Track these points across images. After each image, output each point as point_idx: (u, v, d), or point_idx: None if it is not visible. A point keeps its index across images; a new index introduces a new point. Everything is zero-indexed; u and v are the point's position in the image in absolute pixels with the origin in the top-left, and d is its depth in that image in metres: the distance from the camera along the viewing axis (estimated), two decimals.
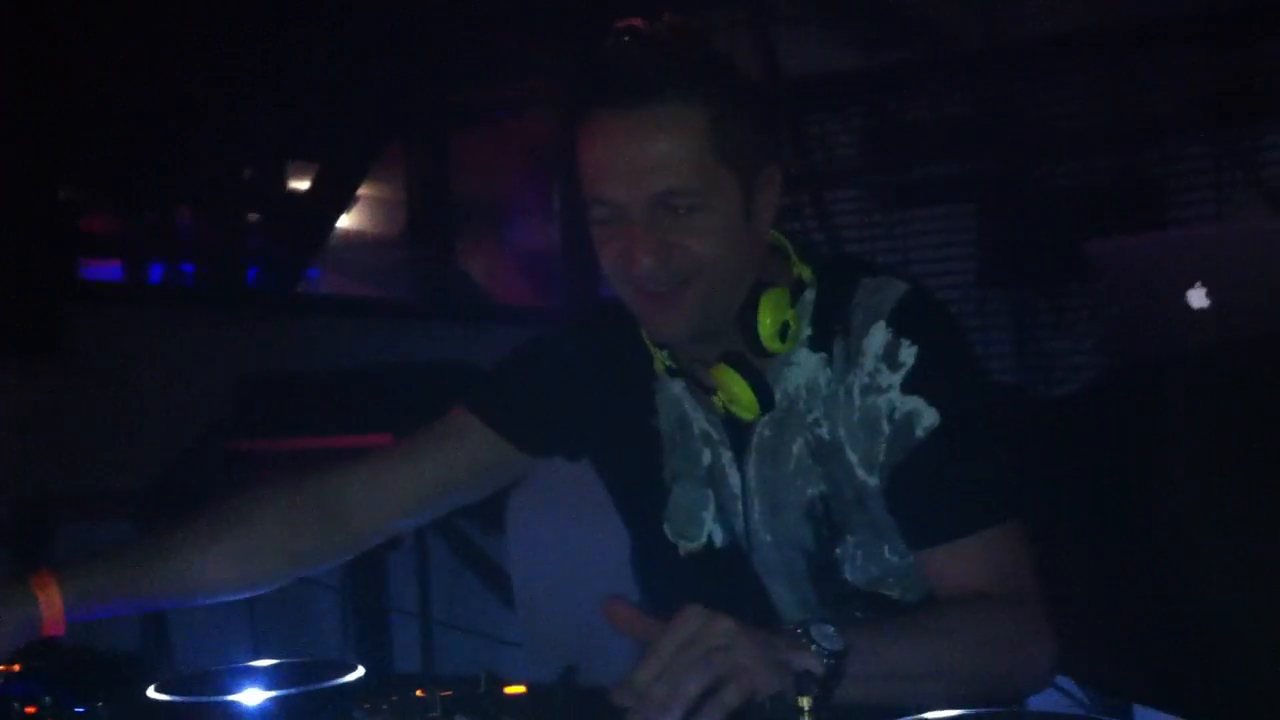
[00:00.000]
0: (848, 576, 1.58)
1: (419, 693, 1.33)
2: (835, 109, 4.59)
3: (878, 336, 1.52)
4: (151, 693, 1.37)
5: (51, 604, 1.50)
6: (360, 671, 1.41)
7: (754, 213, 1.52)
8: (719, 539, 1.64)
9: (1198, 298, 2.64)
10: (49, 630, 1.51)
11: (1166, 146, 4.20)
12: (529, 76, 4.53)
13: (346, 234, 4.98)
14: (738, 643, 1.19)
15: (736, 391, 1.54)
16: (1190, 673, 2.08)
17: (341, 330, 4.00)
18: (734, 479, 1.62)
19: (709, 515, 1.64)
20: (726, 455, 1.62)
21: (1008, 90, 4.24)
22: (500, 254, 5.35)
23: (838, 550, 1.57)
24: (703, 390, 1.60)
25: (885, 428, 1.51)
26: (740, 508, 1.62)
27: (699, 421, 1.64)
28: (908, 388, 1.49)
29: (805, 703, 1.12)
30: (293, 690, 1.36)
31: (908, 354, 1.50)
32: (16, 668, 1.51)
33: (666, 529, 1.68)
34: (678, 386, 1.65)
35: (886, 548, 1.56)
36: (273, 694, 1.34)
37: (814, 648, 1.23)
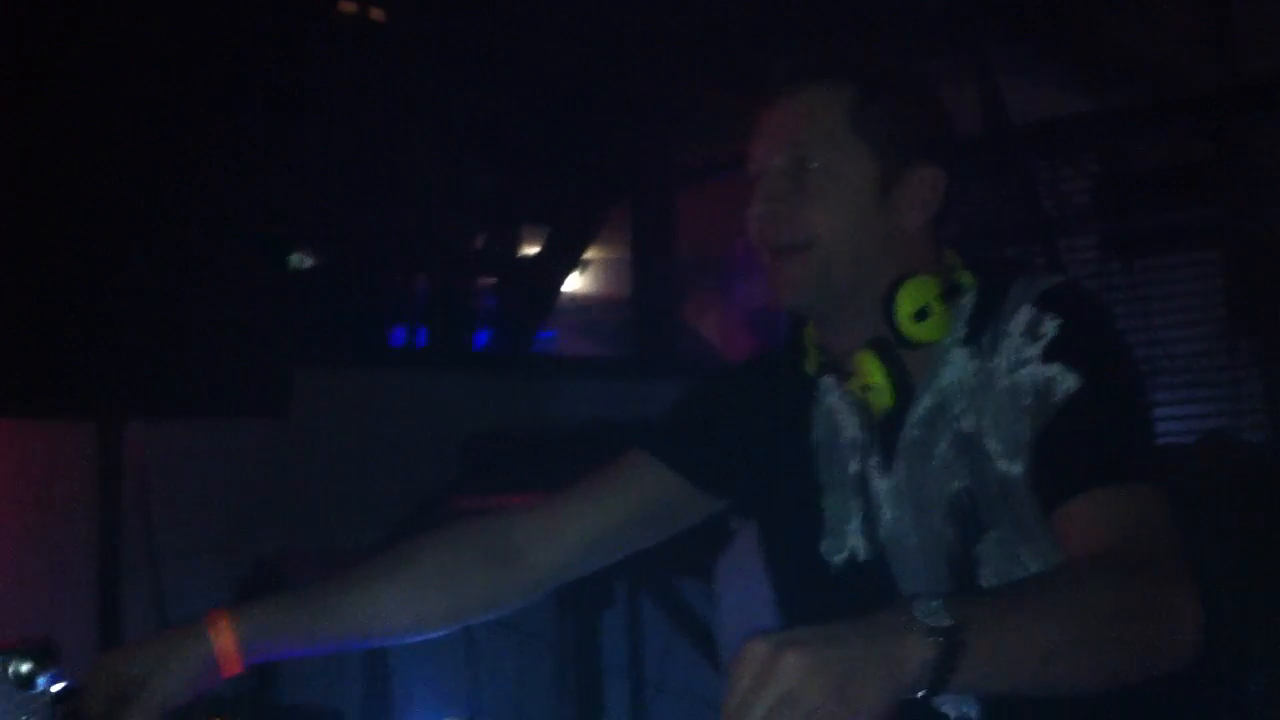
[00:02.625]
0: (984, 583, 1.51)
1: None
2: (1067, 155, 4.45)
3: (1023, 316, 1.53)
4: None
5: (225, 643, 1.52)
6: None
7: (894, 197, 1.57)
8: (862, 551, 1.61)
9: None
10: (227, 670, 1.53)
11: None
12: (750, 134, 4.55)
13: (576, 296, 5.09)
14: (808, 683, 1.07)
15: (874, 377, 1.55)
16: None
17: (570, 390, 4.07)
18: (880, 485, 1.59)
19: (853, 527, 1.61)
20: (874, 460, 1.61)
21: (1247, 130, 4.02)
22: (726, 311, 5.38)
23: (977, 547, 1.52)
24: (849, 380, 1.60)
25: (1028, 401, 1.49)
26: (885, 514, 1.59)
27: (850, 429, 1.64)
28: (1048, 355, 1.49)
29: None
30: None
31: (1050, 326, 1.51)
32: None
33: (822, 546, 1.64)
34: (833, 397, 1.66)
35: (1026, 552, 1.50)
36: None
37: (920, 629, 1.11)
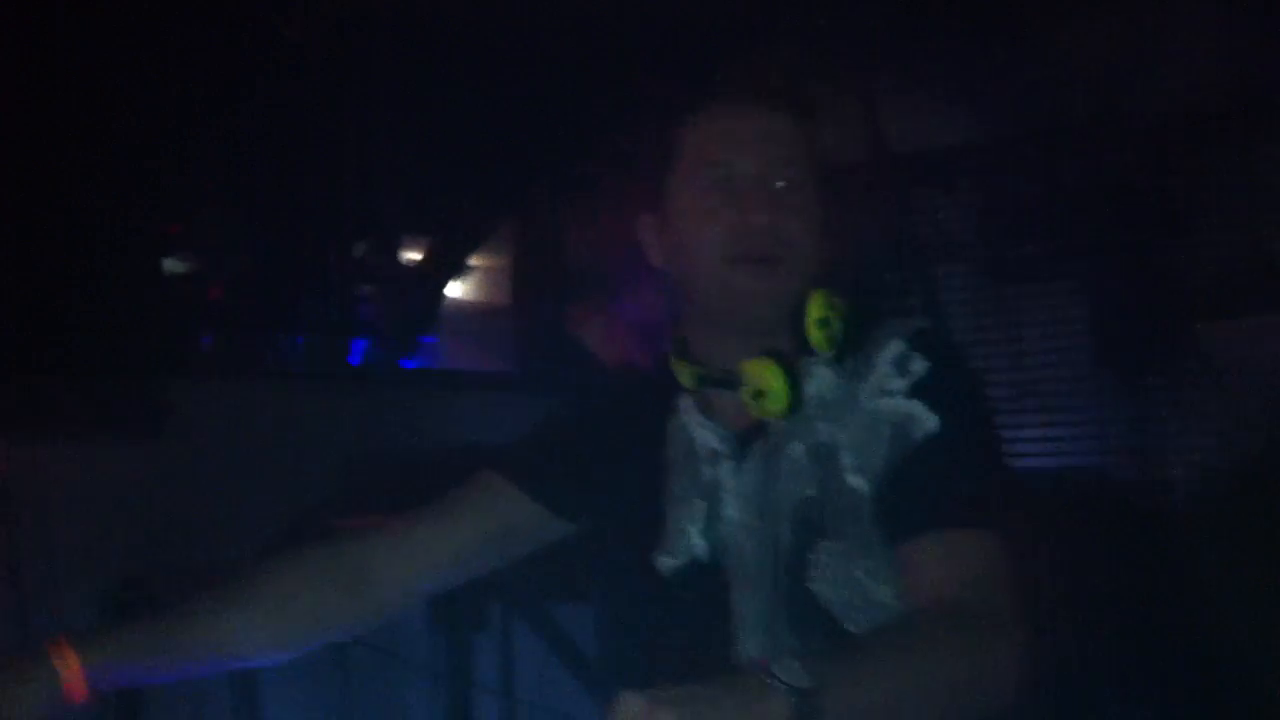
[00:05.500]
0: (814, 588, 1.57)
1: None
2: (944, 184, 4.55)
3: (893, 349, 1.61)
4: None
5: (70, 671, 1.52)
6: None
7: (825, 225, 1.67)
8: (702, 552, 1.64)
9: None
10: (74, 698, 1.53)
11: None
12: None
13: (458, 304, 5.05)
14: None
15: (771, 383, 1.59)
16: None
17: (448, 405, 4.04)
18: (729, 488, 1.64)
19: (695, 528, 1.65)
20: (728, 466, 1.64)
21: (1124, 165, 4.16)
22: (612, 321, 5.39)
23: (812, 555, 1.57)
24: (727, 390, 1.64)
25: (887, 431, 1.57)
26: (729, 515, 1.63)
27: (706, 440, 1.67)
28: (913, 393, 1.57)
29: None
30: None
31: (919, 366, 1.59)
32: None
33: (660, 557, 1.67)
34: (689, 413, 1.69)
35: (861, 567, 1.56)
36: None
37: (781, 689, 1.18)
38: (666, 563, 1.66)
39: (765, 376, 1.60)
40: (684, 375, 1.70)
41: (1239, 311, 3.79)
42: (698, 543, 1.65)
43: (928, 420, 1.55)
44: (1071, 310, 4.35)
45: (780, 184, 1.62)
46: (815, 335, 1.62)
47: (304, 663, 1.69)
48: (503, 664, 3.39)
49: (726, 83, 1.68)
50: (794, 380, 1.60)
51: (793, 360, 1.61)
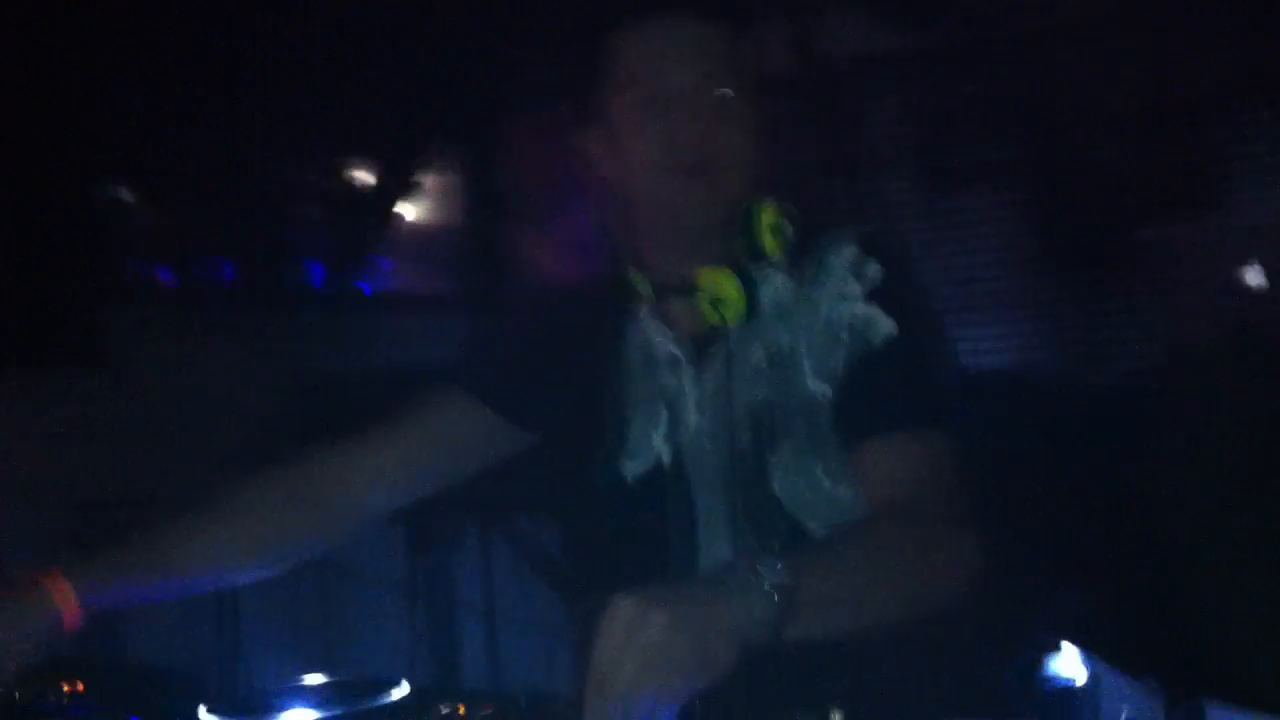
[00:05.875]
0: (776, 489, 1.62)
1: (460, 709, 1.37)
2: (880, 92, 4.56)
3: (847, 254, 1.64)
4: (202, 713, 1.43)
5: (67, 599, 1.54)
6: (405, 689, 1.46)
7: (761, 134, 1.66)
8: (666, 457, 1.68)
9: (1254, 275, 2.61)
10: (69, 626, 1.55)
11: (1223, 128, 4.13)
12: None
13: (404, 225, 5.01)
14: (673, 638, 1.16)
15: (727, 289, 1.62)
16: (1264, 666, 2.08)
17: (396, 328, 4.03)
18: (690, 394, 1.67)
19: (659, 434, 1.68)
20: (689, 373, 1.68)
21: (1060, 71, 4.19)
22: (556, 239, 5.38)
23: (771, 458, 1.62)
24: (683, 299, 1.65)
25: (845, 336, 1.61)
26: (690, 420, 1.67)
27: (665, 347, 1.70)
28: (870, 297, 1.61)
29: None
30: (338, 710, 1.41)
31: (873, 269, 1.62)
32: (80, 687, 1.57)
33: (622, 463, 1.70)
34: (648, 320, 1.71)
35: (820, 466, 1.61)
36: (318, 714, 1.39)
37: (764, 586, 1.22)
38: (630, 467, 1.68)
39: (721, 284, 1.62)
40: (640, 284, 1.70)
41: (1176, 216, 3.87)
42: (660, 447, 1.67)
43: (885, 324, 1.59)
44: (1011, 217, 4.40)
45: (713, 94, 1.60)
46: (768, 241, 1.63)
47: (285, 590, 1.71)
48: (484, 582, 3.41)
49: None
50: (749, 287, 1.62)
51: (747, 268, 1.63)
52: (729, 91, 1.61)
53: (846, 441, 1.59)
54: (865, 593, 1.35)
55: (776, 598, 1.22)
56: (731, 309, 1.62)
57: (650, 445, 1.68)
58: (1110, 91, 4.16)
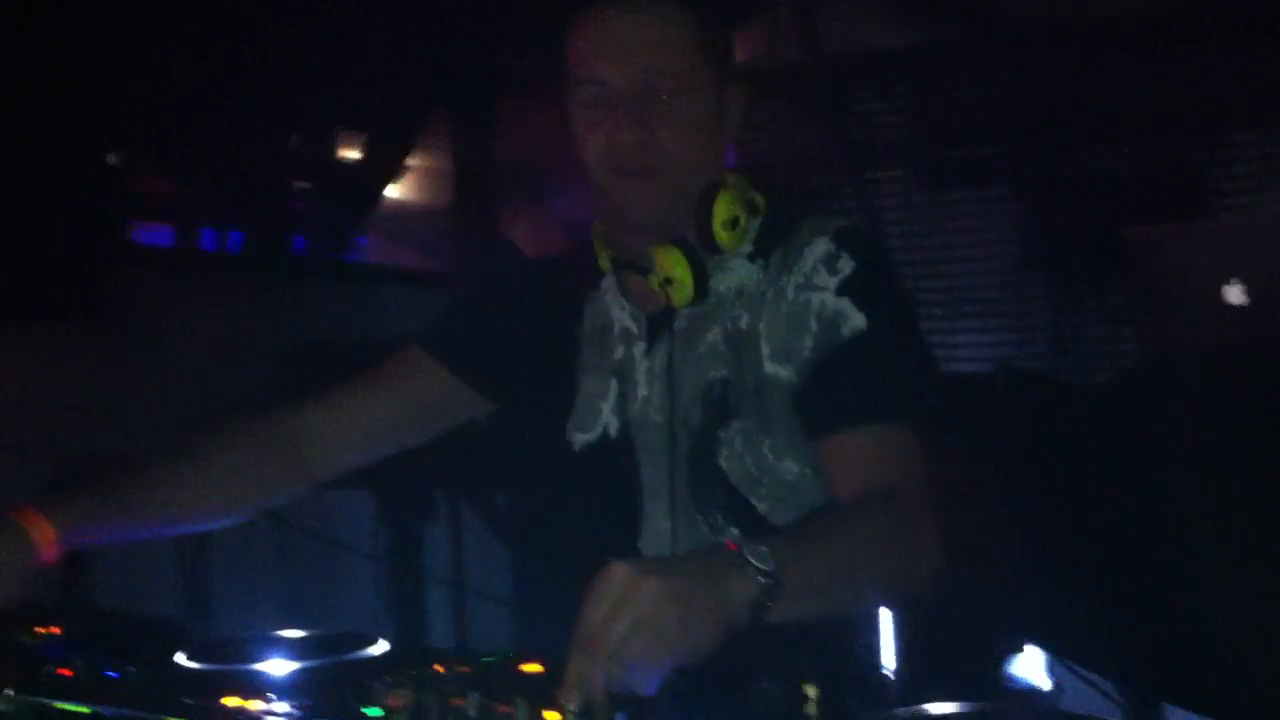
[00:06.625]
0: (723, 464, 1.63)
1: (438, 667, 1.38)
2: (879, 88, 4.57)
3: (820, 246, 1.64)
4: (179, 659, 1.42)
5: (44, 534, 1.55)
6: (383, 645, 1.46)
7: (725, 117, 1.66)
8: (613, 428, 1.70)
9: (1235, 294, 2.62)
10: (45, 560, 1.56)
11: (1212, 134, 4.15)
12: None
13: (394, 203, 5.01)
14: (662, 608, 1.18)
15: (677, 271, 1.63)
16: (1224, 675, 2.09)
17: (385, 300, 4.04)
18: (640, 367, 1.69)
19: (607, 405, 1.70)
20: (640, 347, 1.70)
21: (1054, 73, 4.21)
22: (543, 222, 5.37)
23: (720, 432, 1.64)
24: (640, 275, 1.67)
25: (813, 325, 1.61)
26: (639, 392, 1.68)
27: (622, 320, 1.72)
28: (842, 290, 1.61)
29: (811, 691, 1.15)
30: (316, 661, 1.41)
31: (846, 264, 1.62)
32: (57, 630, 1.57)
33: (570, 428, 1.72)
34: (609, 293, 1.74)
35: (768, 443, 1.63)
36: (296, 664, 1.39)
37: (749, 569, 1.25)
38: (579, 437, 1.71)
39: (672, 265, 1.63)
40: (602, 258, 1.72)
41: (1163, 217, 3.88)
42: (609, 419, 1.70)
43: (855, 317, 1.60)
44: (1002, 215, 4.42)
45: (654, 92, 1.59)
46: (722, 237, 1.63)
47: (250, 553, 1.72)
48: (452, 551, 3.42)
49: None
50: (699, 270, 1.62)
51: (701, 252, 1.63)
52: (670, 87, 1.59)
53: (810, 429, 1.61)
54: (841, 581, 1.39)
55: (763, 581, 1.25)
56: (680, 291, 1.64)
57: (599, 416, 1.71)
58: (1110, 93, 4.18)
